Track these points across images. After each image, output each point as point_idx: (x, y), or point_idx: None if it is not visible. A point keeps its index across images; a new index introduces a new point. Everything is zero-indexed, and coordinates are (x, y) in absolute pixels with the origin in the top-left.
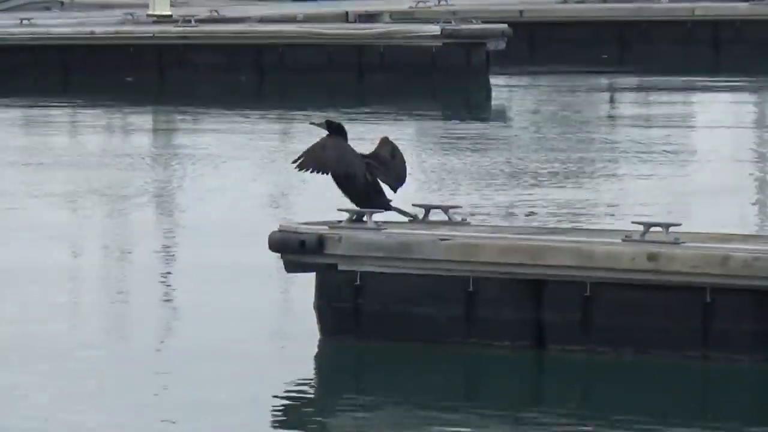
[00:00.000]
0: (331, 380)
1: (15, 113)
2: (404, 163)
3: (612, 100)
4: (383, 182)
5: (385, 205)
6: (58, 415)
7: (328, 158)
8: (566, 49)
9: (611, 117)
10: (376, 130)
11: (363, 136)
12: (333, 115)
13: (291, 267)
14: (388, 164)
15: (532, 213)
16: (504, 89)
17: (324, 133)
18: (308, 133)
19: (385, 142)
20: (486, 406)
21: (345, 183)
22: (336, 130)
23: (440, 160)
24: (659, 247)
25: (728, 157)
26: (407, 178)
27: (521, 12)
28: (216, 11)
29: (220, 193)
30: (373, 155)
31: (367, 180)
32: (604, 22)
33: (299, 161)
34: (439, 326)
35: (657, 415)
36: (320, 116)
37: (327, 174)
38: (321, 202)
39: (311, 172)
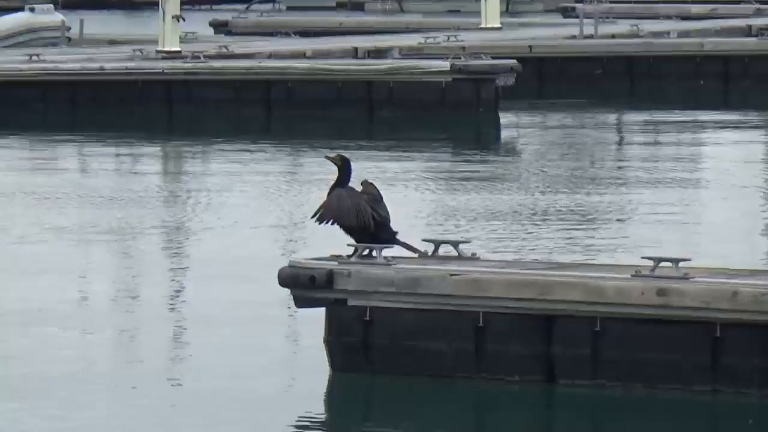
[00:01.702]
0: (341, 415)
1: (23, 148)
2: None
3: (620, 137)
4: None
5: (392, 239)
6: None
7: (344, 210)
8: (575, 84)
9: (620, 152)
10: (385, 164)
11: (372, 172)
12: (342, 151)
13: (301, 302)
14: (381, 203)
15: (541, 248)
16: (513, 124)
17: (335, 168)
18: (319, 164)
19: (368, 183)
20: None
21: (355, 231)
22: (345, 165)
23: (449, 195)
24: (669, 282)
25: (737, 191)
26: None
27: (530, 47)
28: (225, 47)
29: (229, 228)
30: (367, 193)
31: (375, 220)
32: (613, 57)
33: (318, 214)
34: (448, 361)
35: None
36: (332, 151)
37: (340, 226)
38: (330, 236)
39: (331, 224)
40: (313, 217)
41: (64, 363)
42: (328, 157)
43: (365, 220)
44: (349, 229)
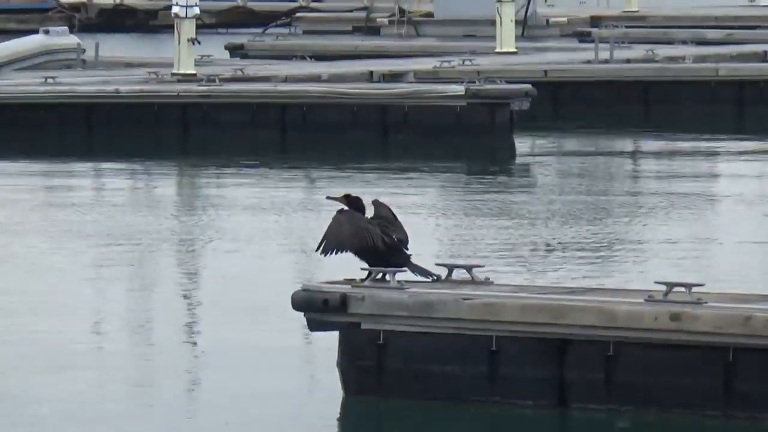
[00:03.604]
0: None
1: (39, 171)
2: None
3: (635, 163)
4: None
5: (406, 263)
6: None
7: (345, 236)
8: (590, 108)
9: (634, 177)
10: (399, 188)
11: (386, 195)
12: (357, 176)
13: (314, 325)
14: (395, 223)
15: (555, 273)
16: (528, 149)
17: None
18: (333, 187)
19: (379, 203)
20: None
21: (365, 254)
22: (354, 205)
23: (464, 220)
24: (682, 307)
25: (751, 217)
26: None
27: (545, 72)
28: (241, 70)
29: (243, 251)
30: (379, 216)
31: (385, 242)
32: (628, 81)
33: (321, 246)
34: (462, 385)
35: None
36: (340, 188)
37: (348, 252)
38: (345, 260)
39: (335, 254)
40: (317, 250)
41: (75, 381)
42: (331, 198)
43: (369, 242)
44: (357, 254)
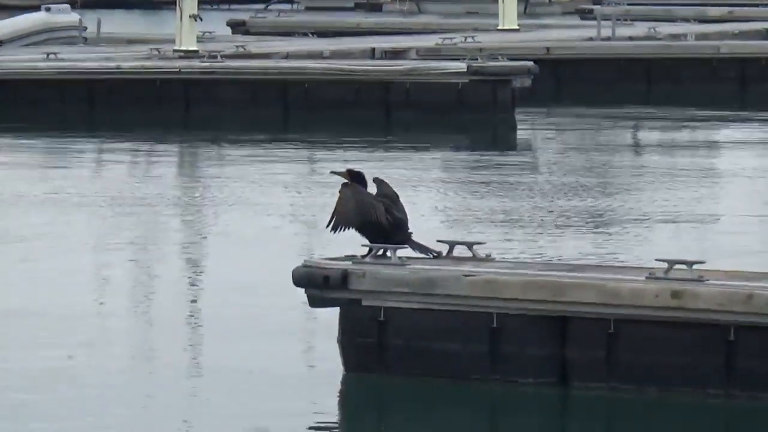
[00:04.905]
0: (354, 416)
1: (40, 147)
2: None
3: (637, 140)
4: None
5: (407, 240)
6: None
7: (350, 212)
8: (592, 86)
9: (636, 154)
10: (401, 165)
11: (388, 173)
12: (359, 153)
13: (315, 302)
14: (397, 202)
15: (556, 250)
16: (530, 126)
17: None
18: (336, 163)
19: (381, 182)
20: None
21: (367, 229)
22: (356, 179)
23: (465, 197)
24: (683, 284)
25: (753, 195)
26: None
27: (547, 49)
28: (243, 47)
29: (244, 227)
30: (383, 195)
31: (387, 220)
32: (631, 59)
33: (332, 223)
34: (462, 362)
35: None
36: (342, 165)
37: (354, 228)
38: (346, 236)
39: (344, 230)
40: (327, 226)
41: (77, 379)
42: (335, 173)
43: (373, 217)
44: (359, 229)
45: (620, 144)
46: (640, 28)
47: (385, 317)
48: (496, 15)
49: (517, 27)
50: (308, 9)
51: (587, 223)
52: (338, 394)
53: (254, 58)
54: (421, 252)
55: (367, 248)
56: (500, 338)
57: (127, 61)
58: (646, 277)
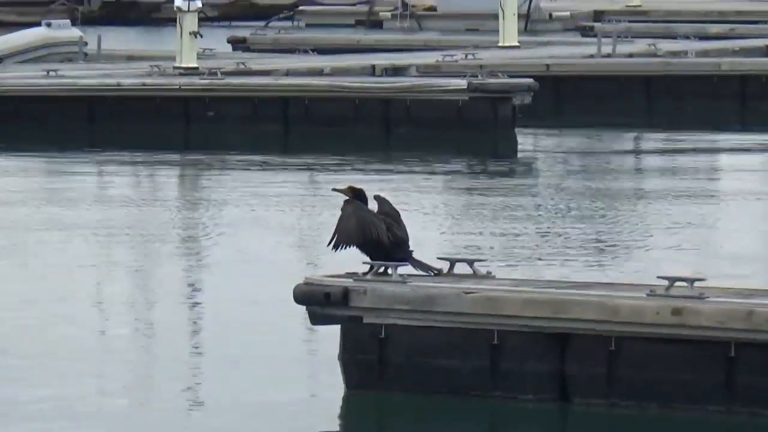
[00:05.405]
0: None
1: (40, 164)
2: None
3: (637, 157)
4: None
5: (408, 258)
6: None
7: (351, 230)
8: (593, 103)
9: (636, 172)
10: (401, 182)
11: (388, 190)
12: (359, 170)
13: (316, 319)
14: (398, 220)
15: (556, 267)
16: (530, 143)
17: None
18: (336, 181)
19: (382, 199)
20: None
21: (368, 247)
22: (358, 196)
23: (465, 214)
24: (684, 301)
25: (753, 212)
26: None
27: (548, 66)
28: (243, 64)
29: (245, 244)
30: (384, 213)
31: (389, 238)
32: (631, 76)
33: (333, 242)
34: (463, 379)
35: None
36: (343, 180)
37: (355, 246)
38: (347, 253)
39: (346, 248)
40: (329, 244)
41: (79, 385)
42: (336, 190)
43: (373, 234)
44: (360, 246)
45: (620, 162)
46: (641, 45)
47: (386, 334)
48: (496, 32)
49: (518, 44)
50: (308, 26)
51: (587, 240)
52: (339, 412)
53: (255, 75)
54: (421, 270)
55: (369, 266)
56: (501, 355)
57: (128, 78)
58: (647, 295)
